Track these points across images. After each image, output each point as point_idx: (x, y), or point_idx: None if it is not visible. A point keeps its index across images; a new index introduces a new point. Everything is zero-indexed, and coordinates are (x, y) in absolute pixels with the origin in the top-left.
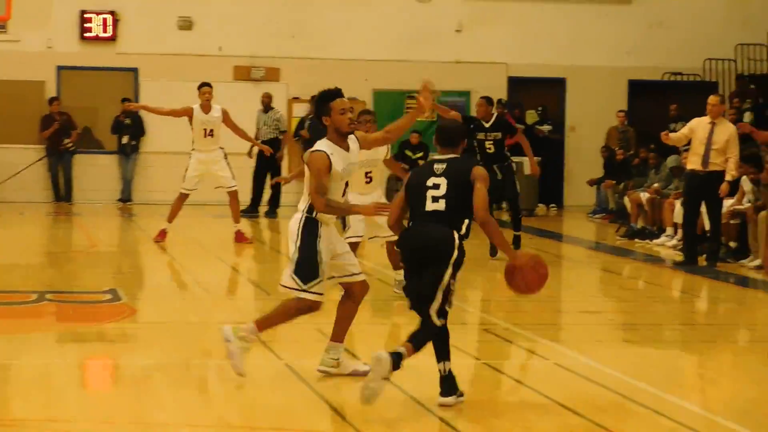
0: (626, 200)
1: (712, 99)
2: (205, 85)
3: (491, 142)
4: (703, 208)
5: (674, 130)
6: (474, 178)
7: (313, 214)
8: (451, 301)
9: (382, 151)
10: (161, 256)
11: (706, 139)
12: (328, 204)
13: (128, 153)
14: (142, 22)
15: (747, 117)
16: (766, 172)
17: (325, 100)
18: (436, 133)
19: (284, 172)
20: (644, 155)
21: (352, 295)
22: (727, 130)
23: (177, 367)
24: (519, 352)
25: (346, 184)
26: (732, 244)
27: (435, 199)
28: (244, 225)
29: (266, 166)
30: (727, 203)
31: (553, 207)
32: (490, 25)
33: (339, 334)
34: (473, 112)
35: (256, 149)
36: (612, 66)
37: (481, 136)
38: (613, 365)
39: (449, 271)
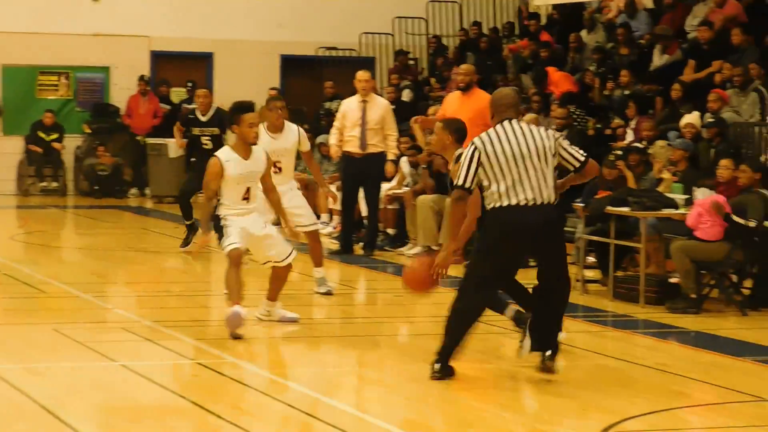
0: None
1: (362, 75)
2: None
3: (208, 137)
4: (361, 194)
5: (329, 109)
6: None
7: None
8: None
9: (292, 141)
10: None
11: (360, 119)
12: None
13: None
14: None
15: (406, 95)
16: (425, 154)
17: (238, 111)
18: (458, 131)
19: None
20: None
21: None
22: (380, 107)
23: None
24: (161, 353)
25: (248, 189)
26: (390, 230)
27: None
28: None
29: None
30: (385, 187)
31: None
32: None
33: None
34: (115, 92)
35: None
36: (263, 40)
37: (196, 131)
38: (262, 364)
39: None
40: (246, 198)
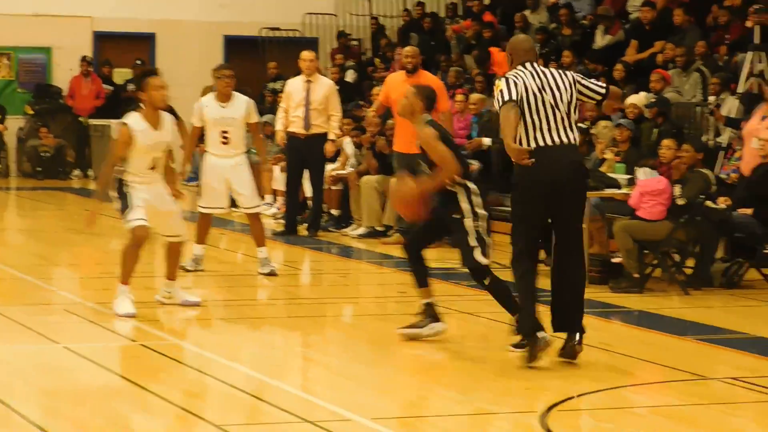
0: None
1: (306, 54)
2: None
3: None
4: (306, 174)
5: (273, 89)
6: None
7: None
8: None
9: (240, 111)
10: None
11: (305, 99)
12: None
13: None
14: None
15: (350, 75)
16: (368, 134)
17: (142, 77)
18: (429, 98)
19: None
20: None
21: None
22: (324, 87)
23: None
24: (104, 334)
25: (154, 158)
26: (334, 211)
27: None
28: None
29: None
30: (329, 168)
31: None
32: None
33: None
34: (57, 72)
35: None
36: (205, 21)
37: None
38: (205, 346)
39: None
40: (152, 167)
